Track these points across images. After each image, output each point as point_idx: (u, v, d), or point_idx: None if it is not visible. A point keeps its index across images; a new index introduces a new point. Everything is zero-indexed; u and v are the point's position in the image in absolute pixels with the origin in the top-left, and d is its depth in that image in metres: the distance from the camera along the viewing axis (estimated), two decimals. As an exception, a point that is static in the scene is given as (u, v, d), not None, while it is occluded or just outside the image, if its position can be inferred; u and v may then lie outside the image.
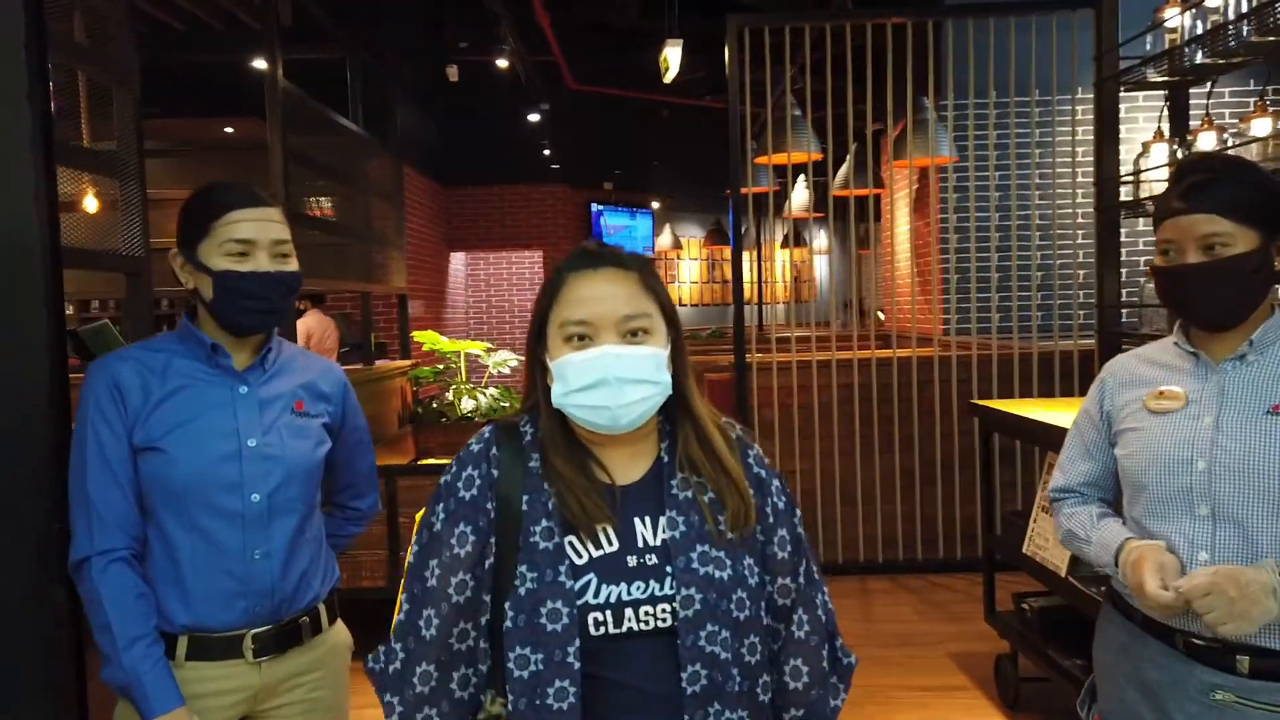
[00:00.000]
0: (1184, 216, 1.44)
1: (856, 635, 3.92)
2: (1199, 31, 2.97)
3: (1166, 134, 3.35)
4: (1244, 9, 2.71)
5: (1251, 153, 2.77)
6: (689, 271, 13.43)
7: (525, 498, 1.13)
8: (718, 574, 1.11)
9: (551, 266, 1.32)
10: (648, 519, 1.14)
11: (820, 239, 12.37)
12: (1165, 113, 3.47)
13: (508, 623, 1.09)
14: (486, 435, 1.19)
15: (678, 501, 1.15)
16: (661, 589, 1.10)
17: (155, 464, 1.48)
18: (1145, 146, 3.29)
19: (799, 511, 1.24)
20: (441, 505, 1.16)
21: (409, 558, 1.18)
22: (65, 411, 1.59)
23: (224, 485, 1.50)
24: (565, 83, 9.92)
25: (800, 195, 7.79)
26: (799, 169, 6.18)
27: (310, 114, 4.21)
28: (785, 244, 11.92)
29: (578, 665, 1.07)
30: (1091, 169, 4.59)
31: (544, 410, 1.18)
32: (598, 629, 1.09)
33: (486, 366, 5.62)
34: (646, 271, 1.18)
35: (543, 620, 1.07)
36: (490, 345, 5.72)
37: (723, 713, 1.09)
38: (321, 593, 1.64)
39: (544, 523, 1.12)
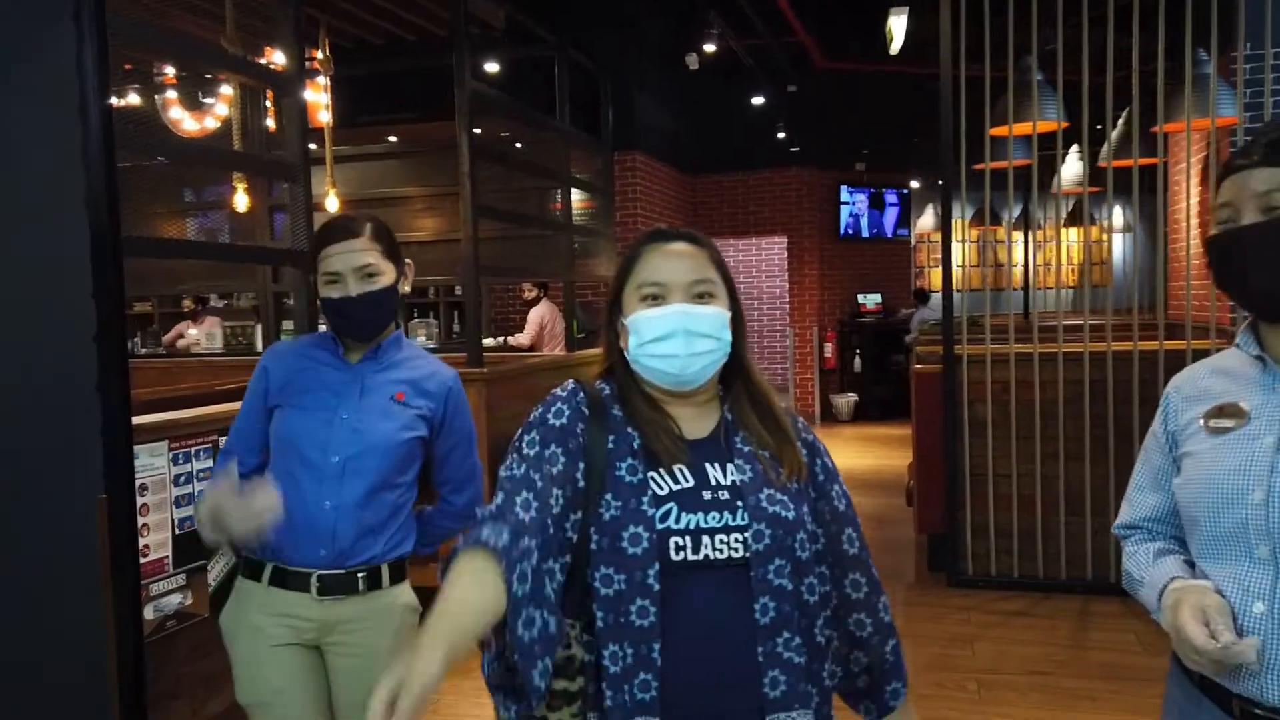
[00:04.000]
0: (1245, 172, 1.15)
1: (1059, 661, 3.47)
2: None
3: None
4: None
5: None
6: (956, 253, 12.58)
7: (611, 438, 1.25)
8: (783, 513, 1.22)
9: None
10: (717, 464, 1.26)
11: (1116, 216, 11.07)
12: None
13: (592, 545, 1.19)
14: (571, 384, 1.32)
15: (743, 453, 1.27)
16: (734, 520, 1.20)
17: (278, 418, 1.86)
18: None
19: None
20: (534, 433, 1.26)
21: (500, 474, 1.25)
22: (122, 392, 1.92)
23: (315, 443, 1.81)
24: (813, 62, 9.63)
25: (1072, 168, 7.08)
26: (1050, 139, 5.57)
27: (506, 113, 4.42)
28: (1071, 222, 10.85)
29: (657, 586, 1.16)
30: None
31: (620, 369, 1.32)
32: (678, 553, 1.18)
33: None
34: (713, 249, 1.33)
35: (624, 544, 1.17)
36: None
37: (791, 641, 1.19)
38: (382, 555, 1.85)
39: (629, 460, 1.23)
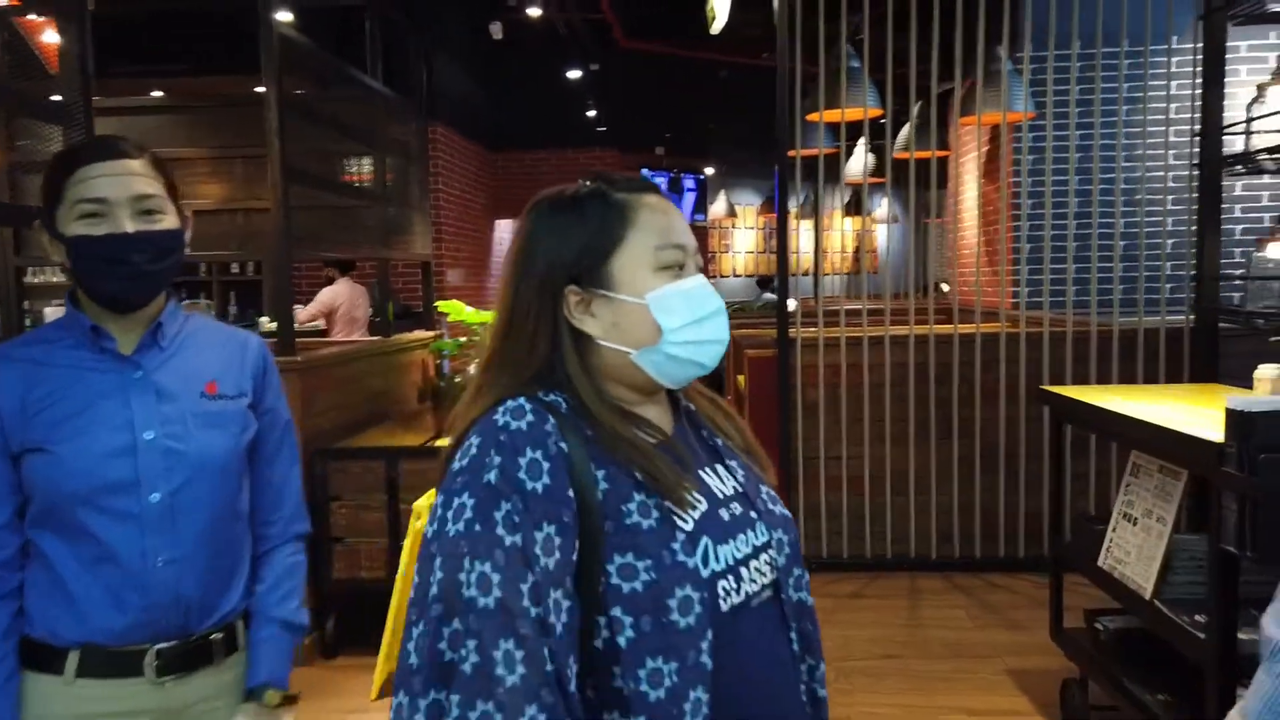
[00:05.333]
0: None
1: (901, 643, 3.53)
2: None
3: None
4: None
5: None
6: (744, 241, 12.95)
7: (601, 473, 0.90)
8: (784, 512, 1.03)
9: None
10: (709, 470, 1.00)
11: (882, 206, 11.76)
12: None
13: (628, 633, 0.85)
14: (529, 406, 0.90)
15: (722, 449, 1.04)
16: (757, 538, 0.97)
17: (40, 467, 1.30)
18: (1260, 90, 2.79)
19: None
20: (505, 508, 0.85)
21: (435, 593, 0.83)
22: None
23: (117, 485, 1.31)
24: (616, 41, 9.50)
25: (858, 159, 7.29)
26: (857, 129, 5.72)
27: (319, 66, 3.91)
28: (847, 211, 11.35)
29: (710, 665, 0.86)
30: (1184, 126, 4.06)
31: (576, 374, 0.95)
32: (725, 600, 0.91)
33: (515, 339, 5.31)
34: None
35: (674, 617, 0.86)
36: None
37: (815, 669, 1.01)
38: (238, 608, 1.43)
39: (637, 497, 0.90)
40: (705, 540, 0.91)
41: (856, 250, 11.57)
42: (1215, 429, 2.05)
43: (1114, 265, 4.41)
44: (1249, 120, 2.89)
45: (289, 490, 1.52)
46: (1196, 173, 3.35)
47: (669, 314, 0.95)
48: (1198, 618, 2.16)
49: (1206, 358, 3.22)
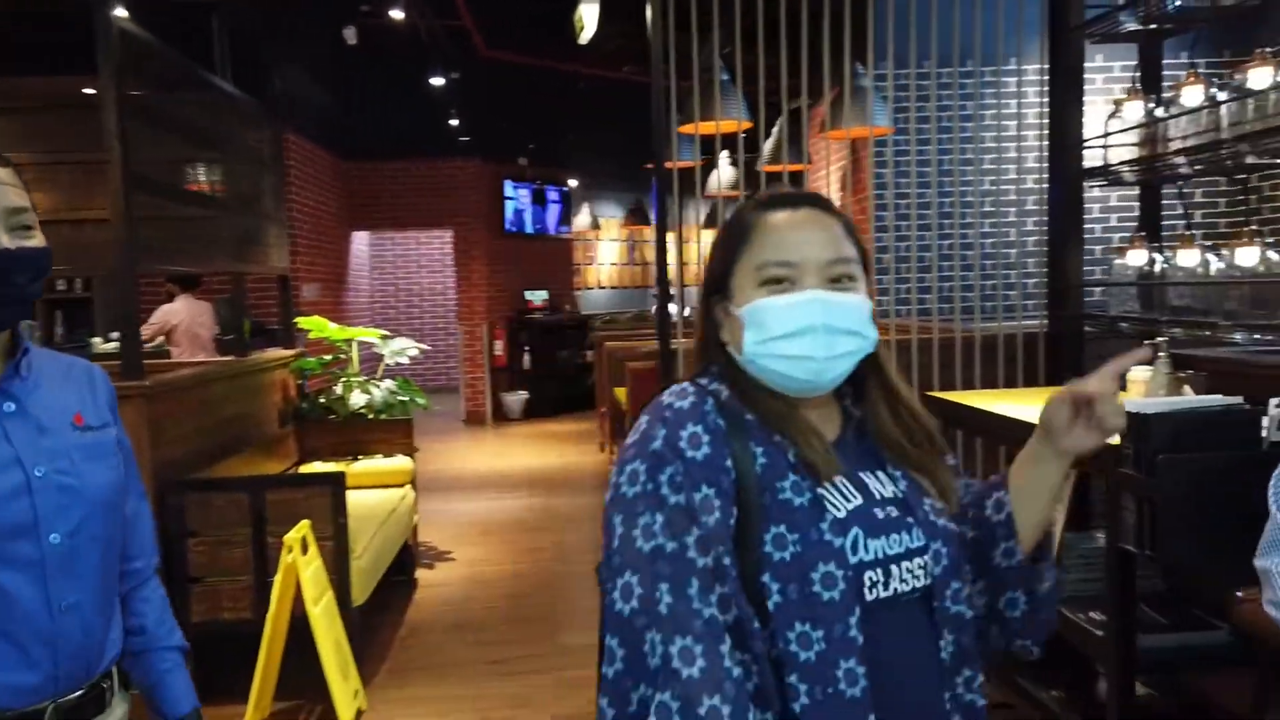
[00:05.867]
0: None
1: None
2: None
3: (1130, 93, 3.01)
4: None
5: (1247, 109, 2.43)
6: (608, 253, 12.94)
7: (760, 450, 1.00)
8: (951, 526, 1.05)
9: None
10: (869, 473, 1.04)
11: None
12: (1124, 76, 3.14)
13: (775, 598, 0.94)
14: (691, 389, 1.03)
15: (888, 458, 1.07)
16: (912, 541, 1.01)
17: None
18: (1118, 105, 2.94)
19: None
20: (669, 471, 0.96)
21: (614, 548, 0.97)
22: None
23: (16, 529, 1.18)
24: (477, 49, 9.30)
25: (726, 172, 7.36)
26: (725, 143, 5.77)
27: (163, 65, 3.59)
28: (707, 224, 11.51)
29: (861, 640, 0.94)
30: (1035, 141, 4.29)
31: (728, 365, 1.06)
32: (871, 591, 0.97)
33: (382, 356, 5.06)
34: (846, 217, 1.08)
35: (816, 589, 0.94)
36: (385, 333, 5.16)
37: (973, 681, 1.02)
38: (121, 646, 1.36)
39: (791, 476, 0.98)
40: (856, 529, 0.98)
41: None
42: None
43: (974, 274, 4.60)
44: (1106, 135, 3.05)
45: (144, 522, 1.44)
46: (1048, 185, 3.53)
47: (755, 327, 1.02)
48: (1092, 614, 2.22)
49: (1072, 361, 3.37)
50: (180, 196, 3.68)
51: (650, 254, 13.53)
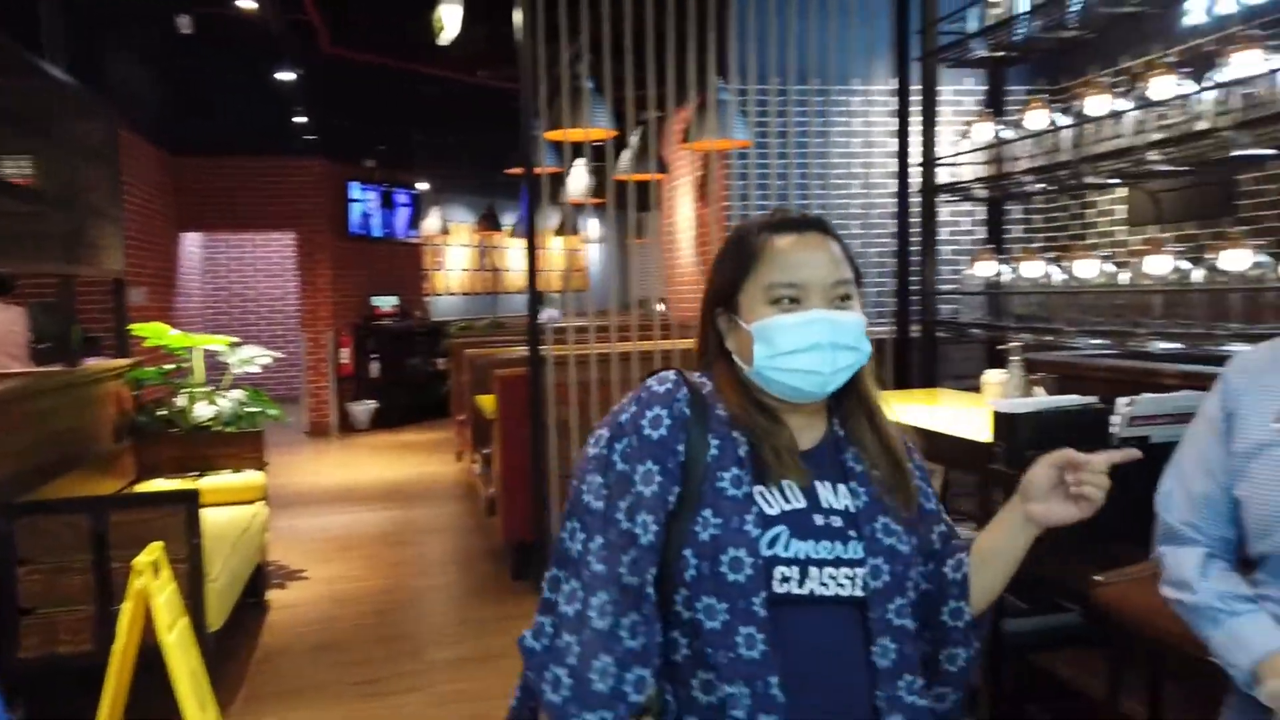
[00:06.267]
0: None
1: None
2: (1028, 7, 2.84)
3: (972, 118, 3.24)
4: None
5: (1083, 132, 2.66)
6: (458, 259, 12.70)
7: (715, 442, 1.10)
8: (900, 547, 1.11)
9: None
10: (829, 484, 1.13)
11: (593, 226, 12.07)
12: (973, 99, 3.37)
13: (690, 571, 1.06)
14: (672, 378, 1.16)
15: (855, 473, 1.14)
16: (846, 553, 1.09)
17: None
18: (969, 125, 3.14)
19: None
20: (624, 442, 1.11)
21: (571, 499, 1.13)
22: None
23: None
24: (320, 45, 8.92)
25: (580, 179, 7.38)
26: (578, 150, 5.79)
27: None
28: (561, 230, 11.52)
29: (764, 613, 1.04)
30: (885, 157, 4.55)
31: (722, 367, 1.17)
32: (783, 584, 1.06)
33: (228, 365, 4.77)
34: (841, 239, 1.17)
35: (724, 569, 1.05)
36: (235, 340, 4.86)
37: (914, 684, 1.09)
38: None
39: (733, 470, 1.09)
40: (781, 528, 1.07)
41: (568, 269, 11.77)
42: (976, 430, 2.25)
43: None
44: (957, 154, 3.26)
45: None
46: (898, 199, 3.73)
47: (765, 342, 1.11)
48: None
49: (924, 366, 3.57)
50: (6, 190, 3.35)
51: (503, 260, 13.38)
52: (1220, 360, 1.32)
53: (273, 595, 4.51)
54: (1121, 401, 2.13)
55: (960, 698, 1.23)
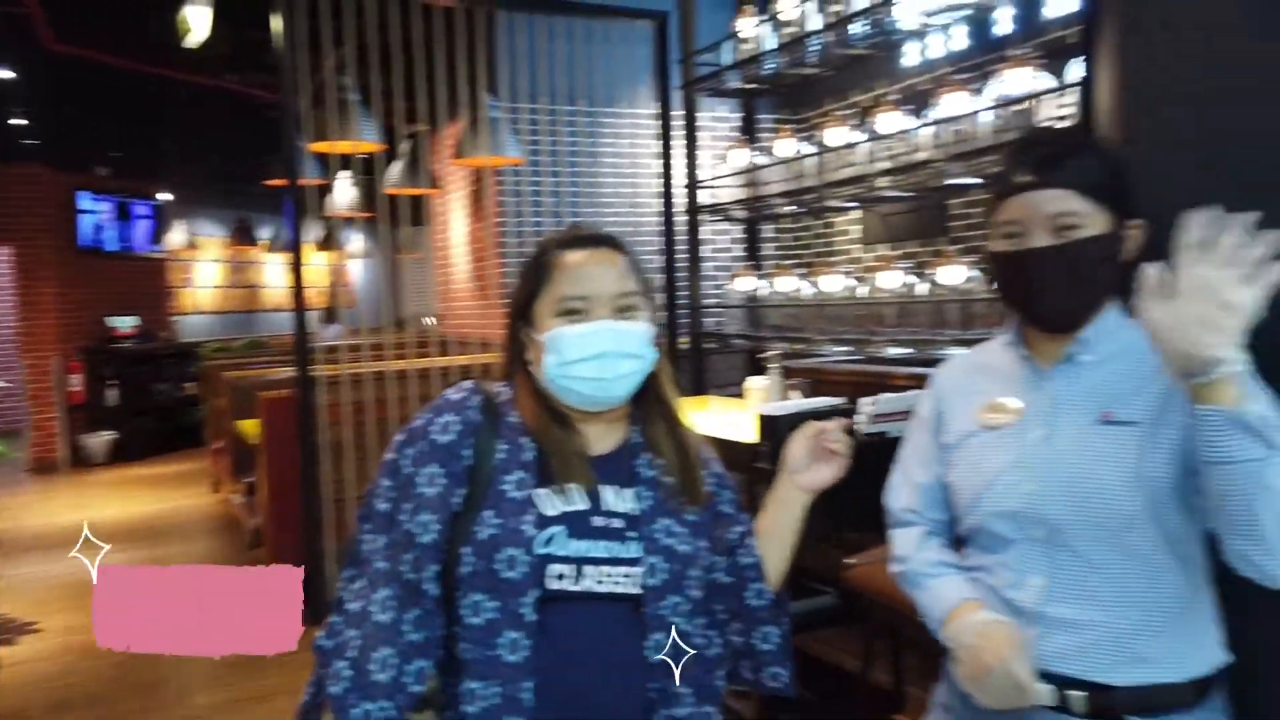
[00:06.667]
0: (1033, 192, 1.21)
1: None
2: (775, 45, 3.11)
3: (729, 145, 3.50)
4: (819, 25, 2.86)
5: (823, 161, 2.94)
6: (208, 275, 11.84)
7: (504, 447, 1.17)
8: (680, 548, 1.17)
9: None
10: (615, 488, 1.19)
11: (357, 241, 11.66)
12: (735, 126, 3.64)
13: (464, 567, 1.12)
14: (468, 386, 1.25)
15: (645, 478, 1.20)
16: (624, 552, 1.15)
17: None
18: (726, 151, 3.39)
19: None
20: (414, 447, 1.19)
21: (365, 503, 1.20)
22: None
23: None
24: (41, 40, 8.06)
25: (345, 192, 7.15)
26: (345, 163, 5.63)
27: None
28: (325, 245, 11.07)
29: (532, 618, 1.10)
30: (650, 178, 4.76)
31: (516, 379, 1.24)
32: (558, 581, 1.12)
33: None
34: (632, 254, 1.25)
35: (498, 566, 1.10)
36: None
37: (693, 676, 1.14)
38: None
39: (517, 473, 1.16)
40: (559, 528, 1.13)
41: (332, 285, 11.30)
42: (742, 432, 2.44)
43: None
44: (716, 176, 3.50)
45: None
46: (662, 218, 3.94)
47: (555, 353, 1.17)
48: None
49: (693, 374, 3.79)
50: None
51: (259, 276, 12.62)
52: (941, 363, 1.54)
53: (1, 652, 4.02)
54: (865, 401, 2.38)
55: (793, 671, 1.30)
